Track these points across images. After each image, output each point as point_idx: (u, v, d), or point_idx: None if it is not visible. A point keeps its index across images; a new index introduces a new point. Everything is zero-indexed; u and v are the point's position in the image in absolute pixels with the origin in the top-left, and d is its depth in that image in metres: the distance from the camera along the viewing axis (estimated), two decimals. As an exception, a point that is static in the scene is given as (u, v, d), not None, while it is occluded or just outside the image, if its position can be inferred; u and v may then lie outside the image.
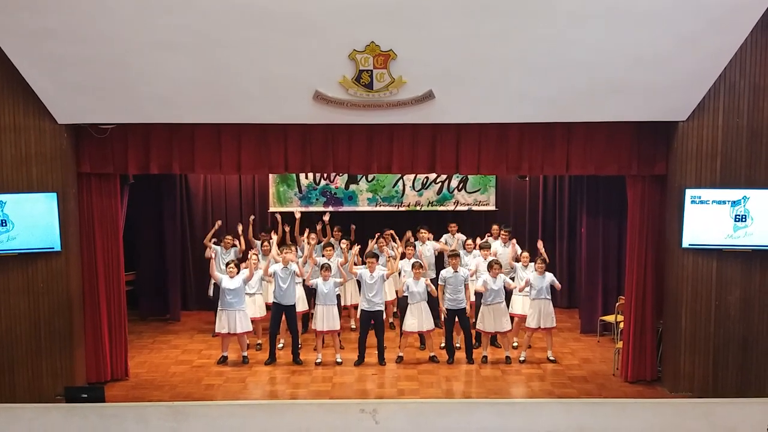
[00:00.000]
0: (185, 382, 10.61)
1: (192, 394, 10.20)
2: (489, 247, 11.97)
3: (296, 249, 11.82)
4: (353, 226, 12.97)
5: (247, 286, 11.36)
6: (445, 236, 12.96)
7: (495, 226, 12.76)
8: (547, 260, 11.48)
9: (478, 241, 12.31)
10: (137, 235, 13.36)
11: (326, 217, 12.65)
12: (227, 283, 11.07)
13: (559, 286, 11.39)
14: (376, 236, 12.30)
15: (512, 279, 11.57)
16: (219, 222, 12.71)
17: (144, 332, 12.81)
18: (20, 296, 9.83)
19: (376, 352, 11.20)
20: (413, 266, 11.23)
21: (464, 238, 12.53)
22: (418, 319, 11.12)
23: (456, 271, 11.11)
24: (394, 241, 12.40)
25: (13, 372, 9.91)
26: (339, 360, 11.22)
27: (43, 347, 9.92)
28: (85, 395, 9.58)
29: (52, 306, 9.87)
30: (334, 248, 11.99)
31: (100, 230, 10.28)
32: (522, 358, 11.28)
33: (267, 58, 8.87)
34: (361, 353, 11.23)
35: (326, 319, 11.09)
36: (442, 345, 11.46)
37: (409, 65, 9.00)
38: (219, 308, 11.20)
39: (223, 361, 11.29)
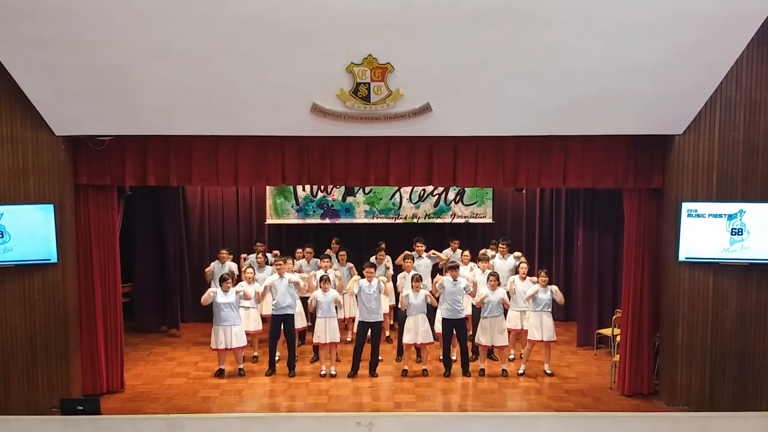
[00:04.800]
0: (181, 395, 10.58)
1: (188, 406, 10.16)
2: (488, 259, 11.97)
3: (293, 261, 11.85)
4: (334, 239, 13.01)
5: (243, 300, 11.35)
6: (446, 251, 12.90)
7: (494, 244, 12.74)
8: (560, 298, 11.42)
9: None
10: (134, 247, 13.34)
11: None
12: (221, 297, 11.04)
13: (562, 300, 11.37)
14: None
15: (507, 293, 11.53)
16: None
17: (140, 344, 12.77)
18: (16, 308, 9.80)
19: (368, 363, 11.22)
20: (413, 278, 11.21)
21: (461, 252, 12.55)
22: (415, 331, 11.10)
23: (455, 281, 11.10)
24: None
25: (9, 384, 9.87)
26: (333, 372, 11.20)
27: (39, 359, 9.88)
28: (81, 407, 9.57)
29: (48, 318, 9.84)
30: (331, 260, 12.02)
31: (96, 242, 10.27)
32: (521, 371, 11.27)
33: (264, 70, 8.89)
34: (355, 365, 11.20)
35: (327, 331, 11.08)
36: (440, 357, 11.45)
37: (407, 78, 9.02)
38: (214, 324, 11.16)
39: (219, 374, 11.26)
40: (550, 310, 11.23)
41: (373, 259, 12.07)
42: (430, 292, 11.26)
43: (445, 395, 10.60)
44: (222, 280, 11.19)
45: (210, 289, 11.30)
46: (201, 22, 8.40)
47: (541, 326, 11.16)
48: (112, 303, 10.47)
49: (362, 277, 11.35)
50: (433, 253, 12.62)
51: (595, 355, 12.19)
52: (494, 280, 11.16)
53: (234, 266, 12.37)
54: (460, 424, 9.57)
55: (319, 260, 12.05)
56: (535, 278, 11.46)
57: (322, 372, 11.21)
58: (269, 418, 9.78)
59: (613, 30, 8.52)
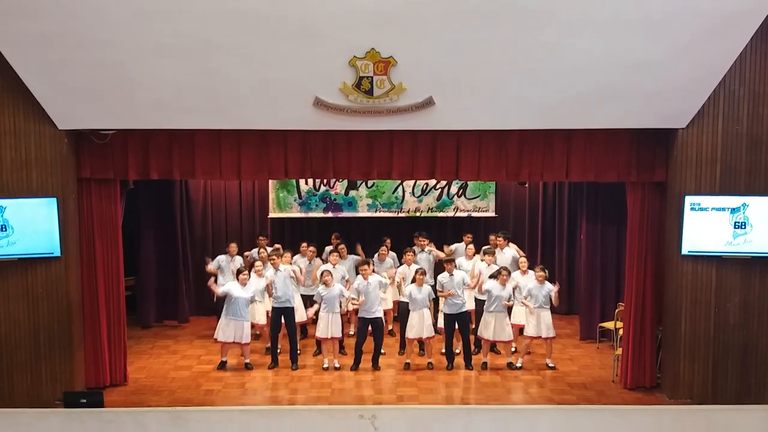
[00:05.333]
0: (184, 388, 10.60)
1: (191, 399, 10.19)
2: (493, 253, 11.95)
3: (291, 255, 11.83)
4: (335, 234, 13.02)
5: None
6: (457, 245, 12.83)
7: (492, 237, 12.69)
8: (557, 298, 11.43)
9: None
10: (137, 241, 13.35)
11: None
12: (240, 291, 11.02)
13: (557, 300, 11.37)
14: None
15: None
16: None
17: (143, 337, 12.79)
18: (20, 301, 9.82)
19: (371, 356, 11.23)
20: (416, 272, 11.21)
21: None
22: (418, 325, 11.10)
23: (452, 275, 11.09)
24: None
25: (13, 377, 9.90)
26: (337, 365, 11.22)
27: (43, 352, 9.90)
28: (84, 400, 9.60)
29: (52, 311, 9.86)
30: (339, 255, 12.05)
31: (99, 235, 10.28)
32: (519, 365, 11.26)
33: (267, 65, 8.88)
34: (357, 358, 11.21)
35: (329, 326, 11.09)
36: (443, 351, 11.45)
37: (410, 72, 9.02)
38: (226, 316, 11.10)
39: (222, 366, 11.27)
40: (548, 306, 11.22)
41: (375, 256, 12.09)
42: (441, 288, 11.20)
43: (447, 388, 10.62)
44: (239, 272, 11.20)
45: (225, 286, 11.28)
46: (202, 19, 8.39)
47: (537, 323, 11.16)
48: (115, 296, 10.49)
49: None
50: (431, 251, 12.57)
51: (597, 349, 12.20)
52: (506, 275, 11.11)
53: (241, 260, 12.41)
54: (463, 417, 9.59)
55: (329, 254, 12.05)
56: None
57: (325, 365, 11.22)
58: (272, 411, 9.80)
59: (614, 26, 8.50)
